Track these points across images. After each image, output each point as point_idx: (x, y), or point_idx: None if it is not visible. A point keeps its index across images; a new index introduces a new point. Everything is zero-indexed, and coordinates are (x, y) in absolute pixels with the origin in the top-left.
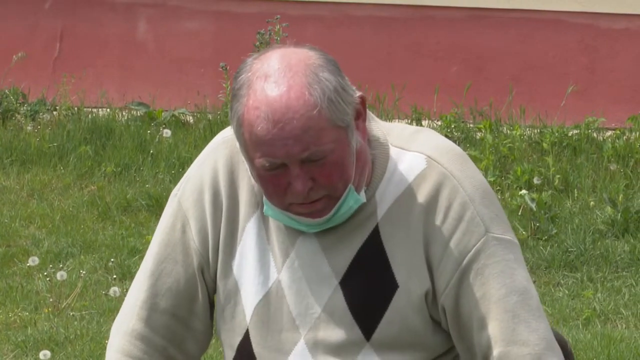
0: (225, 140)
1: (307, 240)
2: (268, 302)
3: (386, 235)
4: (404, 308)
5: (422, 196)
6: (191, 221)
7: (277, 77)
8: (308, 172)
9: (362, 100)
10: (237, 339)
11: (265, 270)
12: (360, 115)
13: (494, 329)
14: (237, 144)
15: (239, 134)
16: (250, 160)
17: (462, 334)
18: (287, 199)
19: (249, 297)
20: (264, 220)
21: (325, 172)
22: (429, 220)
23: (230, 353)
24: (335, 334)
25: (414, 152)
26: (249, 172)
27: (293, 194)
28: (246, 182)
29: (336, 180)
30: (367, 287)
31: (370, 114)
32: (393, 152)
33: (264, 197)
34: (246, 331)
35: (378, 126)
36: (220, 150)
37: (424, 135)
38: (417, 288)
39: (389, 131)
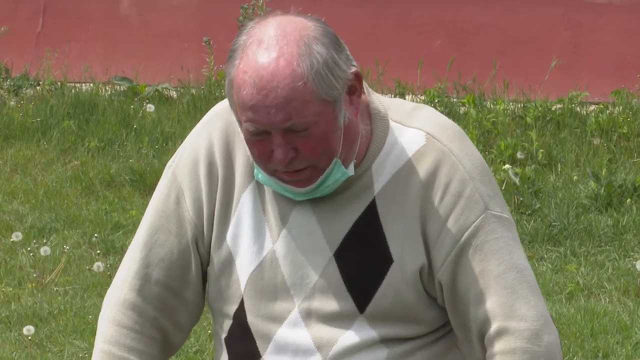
0: (220, 113)
1: (303, 210)
2: (262, 271)
3: (383, 209)
4: (398, 283)
5: (420, 172)
6: (186, 192)
7: (270, 44)
8: (290, 142)
9: (357, 76)
10: (233, 307)
11: (260, 240)
12: (354, 91)
13: (493, 304)
14: (232, 116)
15: (230, 95)
16: (239, 122)
17: (458, 309)
18: (271, 165)
19: (244, 266)
20: (259, 191)
21: (308, 144)
22: (428, 196)
23: (227, 322)
24: (329, 304)
25: (414, 128)
26: (244, 144)
27: (275, 162)
28: (242, 154)
29: (319, 153)
30: (361, 261)
31: (369, 89)
32: (392, 126)
33: (254, 162)
34: (241, 300)
35: (379, 100)
36: (215, 122)
37: (423, 112)
38: (411, 263)
39: (389, 106)
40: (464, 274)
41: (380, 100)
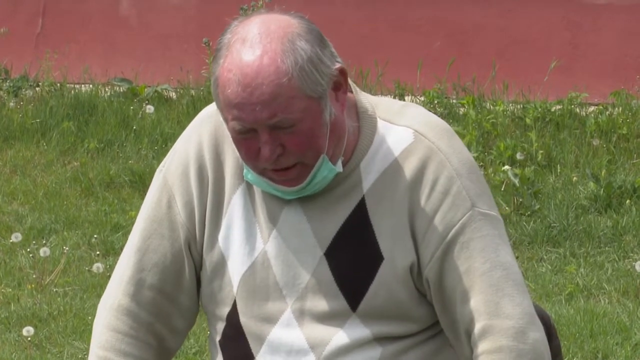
0: (209, 115)
1: (293, 210)
2: (254, 272)
3: (372, 207)
4: (389, 280)
5: (408, 170)
6: (177, 196)
7: (253, 42)
8: (277, 138)
9: (342, 72)
10: (226, 310)
11: (251, 242)
12: (339, 87)
13: (478, 303)
14: (221, 118)
15: (215, 95)
16: (226, 121)
17: (446, 307)
18: (259, 163)
19: (236, 267)
20: (249, 192)
21: (295, 140)
22: (415, 194)
23: (220, 325)
24: (321, 304)
25: (402, 126)
26: (234, 146)
27: (262, 159)
28: (231, 156)
29: (305, 149)
30: (352, 259)
31: (357, 88)
32: (380, 124)
33: (242, 161)
34: (234, 301)
35: (367, 98)
36: (205, 126)
37: (411, 110)
38: (402, 260)
39: (377, 104)
40: (450, 272)
41: (368, 99)
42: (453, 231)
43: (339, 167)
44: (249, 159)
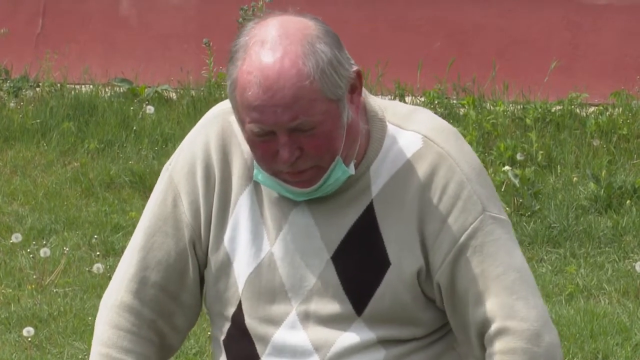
0: (217, 115)
1: (300, 213)
2: (260, 273)
3: (380, 212)
4: (395, 285)
5: (418, 175)
6: (182, 195)
7: (273, 44)
8: (296, 141)
9: (358, 74)
10: (232, 310)
11: (257, 243)
12: (355, 90)
13: (493, 305)
14: (230, 117)
15: (232, 97)
16: (242, 123)
17: (458, 310)
18: (275, 165)
19: (242, 269)
20: (257, 193)
21: (314, 142)
22: (425, 199)
23: (226, 325)
24: (326, 307)
25: (411, 131)
26: (241, 146)
27: (280, 162)
28: (239, 156)
29: (323, 151)
30: (359, 263)
31: (365, 91)
32: (389, 129)
33: (255, 163)
34: (239, 302)
35: (376, 102)
36: (213, 125)
37: (419, 115)
38: (409, 266)
39: (385, 108)
40: (462, 275)
41: (377, 102)
42: (465, 235)
43: (351, 170)
44: (265, 161)
